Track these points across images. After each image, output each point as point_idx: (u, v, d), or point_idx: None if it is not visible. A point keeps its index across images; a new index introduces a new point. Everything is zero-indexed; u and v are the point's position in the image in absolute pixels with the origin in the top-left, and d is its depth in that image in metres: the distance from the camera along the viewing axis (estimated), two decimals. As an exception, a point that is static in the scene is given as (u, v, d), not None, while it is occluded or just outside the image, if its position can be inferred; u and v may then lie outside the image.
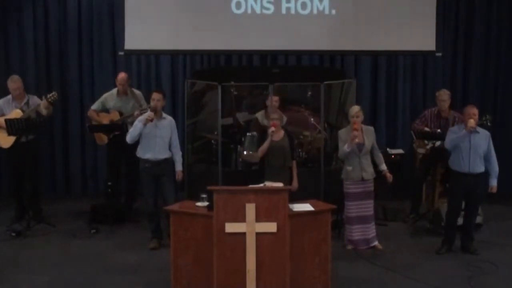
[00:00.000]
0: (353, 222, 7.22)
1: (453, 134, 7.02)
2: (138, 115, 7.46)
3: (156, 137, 7.14)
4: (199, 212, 5.89)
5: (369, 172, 7.22)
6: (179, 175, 7.34)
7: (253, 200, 5.60)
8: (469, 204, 7.11)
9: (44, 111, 7.85)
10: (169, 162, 7.29)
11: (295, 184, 7.13)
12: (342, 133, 7.27)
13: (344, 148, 7.10)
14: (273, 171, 7.01)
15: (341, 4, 9.39)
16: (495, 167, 7.03)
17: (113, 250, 7.23)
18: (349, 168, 7.19)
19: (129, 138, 7.19)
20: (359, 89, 9.05)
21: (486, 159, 7.00)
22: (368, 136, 7.23)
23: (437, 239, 7.30)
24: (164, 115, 7.28)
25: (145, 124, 7.04)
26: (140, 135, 7.13)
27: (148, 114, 7.08)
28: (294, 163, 7.23)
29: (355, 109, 7.21)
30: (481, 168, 6.98)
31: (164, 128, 7.19)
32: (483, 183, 7.06)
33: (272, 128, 7.01)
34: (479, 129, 6.97)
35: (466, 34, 9.52)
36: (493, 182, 7.05)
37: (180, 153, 7.36)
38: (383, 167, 7.30)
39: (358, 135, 7.04)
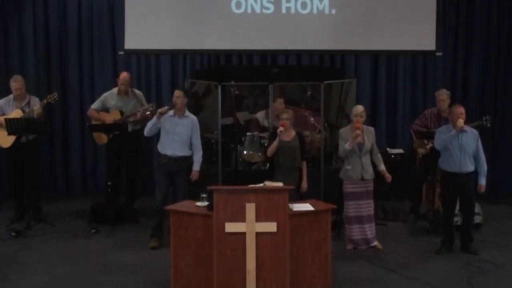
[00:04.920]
0: (353, 221, 7.23)
1: (442, 134, 7.05)
2: (141, 115, 7.48)
3: (175, 134, 7.14)
4: (199, 212, 5.88)
5: (369, 172, 7.23)
6: (194, 175, 7.26)
7: (253, 200, 5.59)
8: (463, 204, 7.13)
9: (35, 115, 7.79)
10: (187, 160, 7.24)
11: (304, 185, 7.17)
12: (343, 131, 7.28)
13: (346, 146, 7.10)
14: (282, 171, 7.05)
15: (341, 4, 9.37)
16: (483, 166, 7.07)
17: (113, 250, 7.23)
18: (348, 167, 7.19)
19: (146, 131, 7.29)
20: (359, 89, 9.04)
21: (475, 158, 7.03)
22: (368, 136, 7.24)
23: (437, 239, 7.30)
24: (187, 113, 7.24)
25: (158, 118, 7.06)
26: (157, 130, 7.17)
27: (164, 108, 7.11)
28: (304, 164, 7.24)
29: (360, 108, 7.21)
30: (470, 168, 6.99)
31: (184, 126, 7.17)
32: (475, 182, 7.09)
33: (281, 128, 7.03)
34: (467, 128, 6.99)
35: (466, 34, 9.51)
36: (482, 181, 7.09)
37: (200, 153, 7.26)
38: (382, 167, 7.31)
39: (360, 134, 7.05)
